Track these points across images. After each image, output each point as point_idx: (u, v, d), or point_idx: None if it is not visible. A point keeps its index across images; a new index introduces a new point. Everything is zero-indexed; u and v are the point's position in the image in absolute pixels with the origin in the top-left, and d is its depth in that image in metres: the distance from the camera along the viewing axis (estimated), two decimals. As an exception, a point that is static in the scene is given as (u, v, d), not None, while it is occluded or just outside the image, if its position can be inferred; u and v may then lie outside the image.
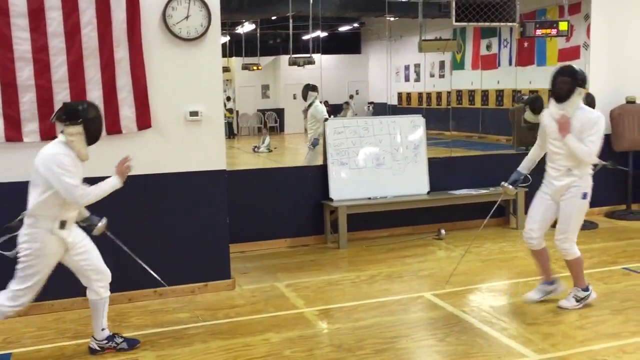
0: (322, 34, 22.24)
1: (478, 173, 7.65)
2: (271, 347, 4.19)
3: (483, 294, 5.27)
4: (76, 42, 4.80)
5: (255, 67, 19.64)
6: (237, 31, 19.54)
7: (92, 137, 3.91)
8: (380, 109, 23.37)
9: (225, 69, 20.74)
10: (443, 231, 7.12)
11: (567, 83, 4.53)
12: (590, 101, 7.34)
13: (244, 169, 7.80)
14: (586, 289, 4.80)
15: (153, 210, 5.25)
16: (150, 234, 5.20)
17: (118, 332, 4.26)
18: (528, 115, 8.01)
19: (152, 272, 4.60)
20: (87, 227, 4.12)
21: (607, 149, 7.76)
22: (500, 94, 18.35)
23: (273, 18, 17.50)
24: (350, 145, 7.15)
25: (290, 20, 13.48)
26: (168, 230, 5.26)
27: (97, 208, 4.19)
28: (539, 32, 6.96)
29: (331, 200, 6.91)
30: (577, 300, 4.78)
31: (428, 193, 7.26)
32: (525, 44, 17.01)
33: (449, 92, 20.07)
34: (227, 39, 20.53)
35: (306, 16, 14.89)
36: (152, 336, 4.42)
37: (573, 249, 4.72)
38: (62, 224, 3.87)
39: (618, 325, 4.43)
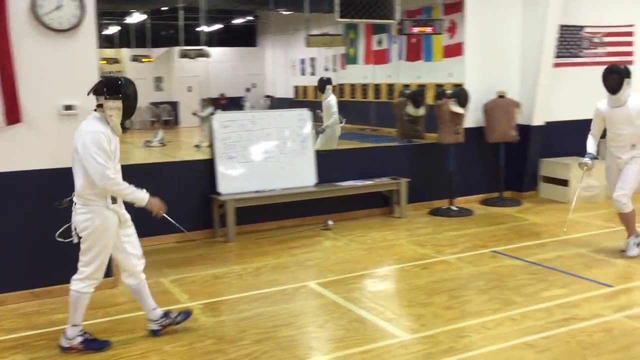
0: (216, 27, 21.96)
1: (364, 165, 7.93)
2: (150, 343, 4.16)
3: (364, 281, 5.50)
4: None
5: (145, 59, 19.07)
6: (126, 21, 18.87)
7: (128, 114, 3.88)
8: (281, 103, 23.45)
9: (115, 61, 19.99)
10: (331, 222, 7.32)
11: (617, 78, 5.70)
12: (463, 95, 7.84)
13: (129, 164, 7.60)
14: (638, 235, 5.96)
15: (27, 208, 5.03)
16: (24, 232, 4.99)
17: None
18: (410, 109, 8.41)
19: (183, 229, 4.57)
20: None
21: (481, 140, 8.36)
22: (391, 87, 19.00)
23: (164, 9, 17.07)
24: (238, 139, 7.17)
25: (181, 12, 13.22)
26: (44, 228, 5.04)
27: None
28: (415, 29, 7.33)
29: (219, 194, 6.91)
30: (638, 245, 5.91)
31: (316, 185, 7.44)
32: (413, 40, 17.73)
33: (341, 85, 20.53)
34: (117, 29, 19.81)
35: (198, 7, 14.67)
36: (24, 339, 4.26)
37: (629, 203, 5.80)
38: (114, 199, 3.92)
39: (482, 303, 4.80)
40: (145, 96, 22.31)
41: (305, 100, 22.46)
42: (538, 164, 8.80)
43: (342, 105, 14.56)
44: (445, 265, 5.80)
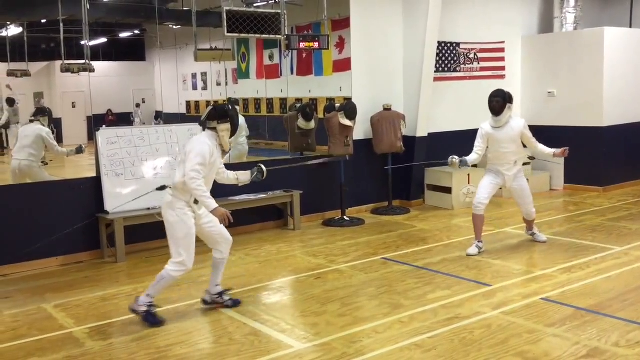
0: (102, 40, 21.18)
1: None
2: (32, 372, 3.94)
3: (258, 294, 5.50)
4: None
5: (21, 74, 18.02)
6: (1, 34, 17.74)
7: (234, 132, 4.77)
8: (171, 118, 22.87)
9: (-11, 75, 18.69)
10: (224, 237, 7.26)
11: (499, 102, 6.28)
12: (351, 108, 8.10)
13: (8, 184, 7.19)
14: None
15: None
16: None
17: (227, 290, 5.07)
18: (300, 122, 8.56)
19: None
20: (257, 180, 5.17)
21: (369, 151, 8.66)
22: (284, 102, 19.16)
23: (43, 21, 16.25)
24: (126, 156, 6.96)
25: (61, 24, 12.65)
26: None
27: None
28: (302, 45, 7.50)
29: (107, 213, 6.66)
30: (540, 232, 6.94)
31: (208, 200, 7.35)
32: (304, 55, 18.04)
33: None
34: (-10, 42, 18.54)
35: (81, 20, 14.08)
36: None
37: (534, 210, 6.72)
38: (196, 200, 4.59)
39: (373, 309, 4.96)
40: (26, 113, 21.00)
41: (198, 115, 22.12)
42: (423, 173, 9.25)
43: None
44: (338, 274, 5.93)
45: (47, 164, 15.68)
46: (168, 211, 4.67)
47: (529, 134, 6.46)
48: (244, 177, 5.18)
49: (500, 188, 6.79)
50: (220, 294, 5.06)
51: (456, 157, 6.41)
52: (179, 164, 4.70)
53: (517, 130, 6.35)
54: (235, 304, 5.08)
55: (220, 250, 4.95)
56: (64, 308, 5.17)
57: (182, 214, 4.63)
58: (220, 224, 4.67)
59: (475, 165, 8.01)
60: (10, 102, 14.10)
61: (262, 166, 5.16)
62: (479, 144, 6.47)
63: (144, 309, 4.69)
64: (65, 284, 5.86)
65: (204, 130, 4.79)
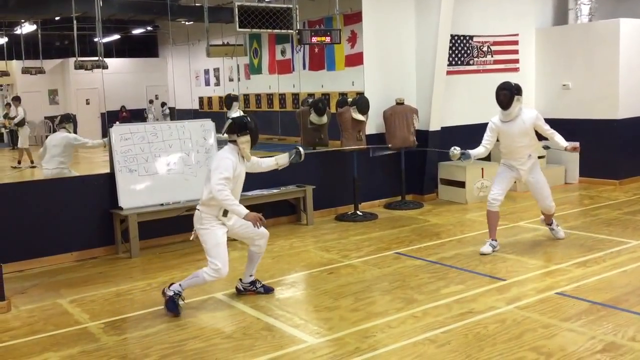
0: (115, 37, 21.30)
1: (269, 173, 7.89)
2: (48, 367, 3.97)
3: (272, 289, 5.51)
4: None
5: (35, 71, 18.18)
6: (16, 32, 17.90)
7: (254, 142, 4.89)
8: (184, 114, 22.95)
9: (4, 74, 18.87)
10: (237, 232, 7.28)
11: (507, 95, 5.97)
12: (363, 103, 8.07)
13: (20, 181, 7.23)
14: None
15: None
16: None
17: (258, 279, 5.26)
18: (313, 117, 8.53)
19: None
20: (295, 162, 5.28)
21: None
22: (296, 97, 19.16)
23: (57, 18, 16.36)
24: (139, 152, 6.99)
25: (75, 22, 12.73)
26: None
27: None
28: (314, 39, 7.47)
29: (121, 208, 6.70)
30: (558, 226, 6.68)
31: (221, 195, 7.37)
32: (316, 50, 18.00)
33: (246, 96, 20.46)
34: (4, 40, 18.74)
35: (94, 17, 14.15)
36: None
37: (553, 205, 6.40)
38: (225, 213, 4.79)
39: (386, 304, 4.94)
40: (40, 110, 21.17)
41: (210, 111, 22.17)
42: (437, 168, 9.20)
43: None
44: (351, 269, 5.92)
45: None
46: (198, 225, 4.87)
47: (544, 125, 6.14)
48: (282, 160, 5.28)
49: (515, 182, 6.67)
50: (253, 283, 5.24)
51: (458, 148, 6.16)
52: (205, 181, 4.85)
53: (529, 122, 6.03)
54: (268, 291, 5.25)
55: (258, 244, 5.12)
56: (79, 303, 5.21)
57: (211, 227, 4.80)
58: (254, 227, 4.78)
59: (489, 159, 7.98)
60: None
61: (300, 148, 5.26)
62: (487, 137, 6.18)
63: (170, 294, 4.82)
64: (80, 279, 5.91)
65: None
